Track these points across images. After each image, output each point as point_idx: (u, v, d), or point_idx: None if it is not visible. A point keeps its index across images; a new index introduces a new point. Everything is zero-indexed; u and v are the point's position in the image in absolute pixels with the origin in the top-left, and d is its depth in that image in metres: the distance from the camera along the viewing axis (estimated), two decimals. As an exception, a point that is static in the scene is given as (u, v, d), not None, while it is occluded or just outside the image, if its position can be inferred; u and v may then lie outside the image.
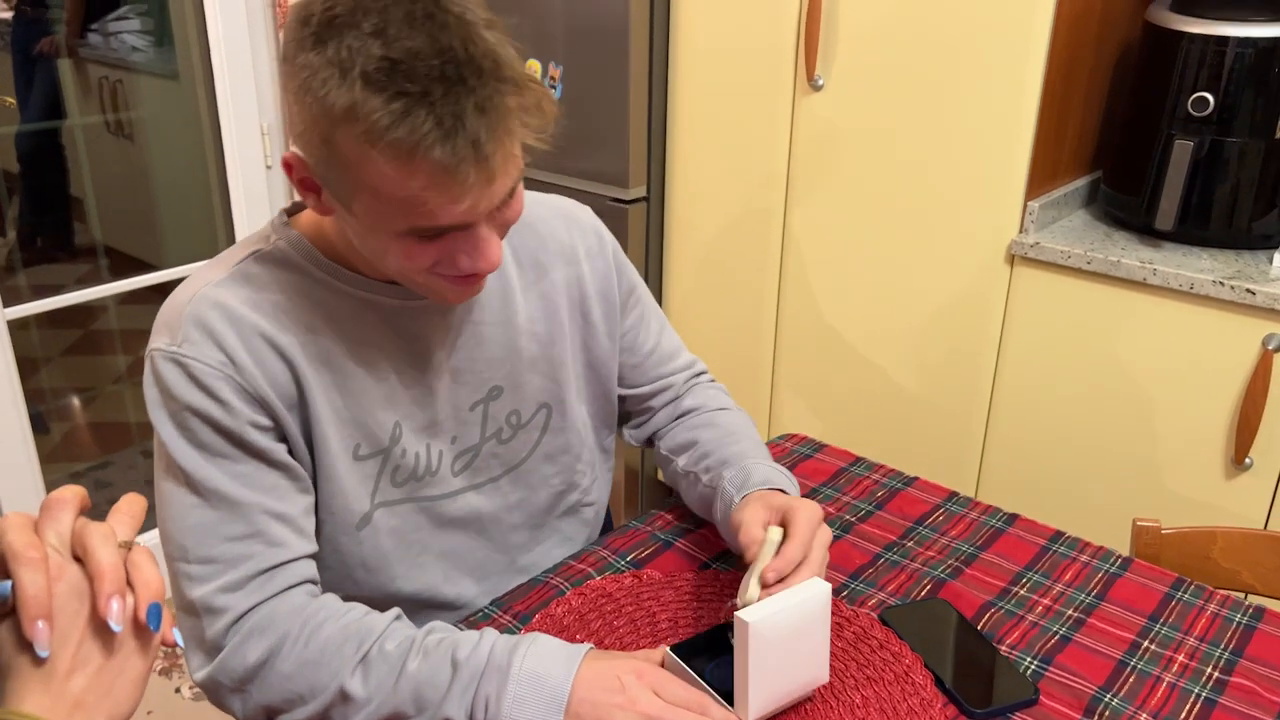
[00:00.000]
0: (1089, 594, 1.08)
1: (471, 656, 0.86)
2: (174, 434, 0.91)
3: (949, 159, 1.84)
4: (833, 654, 0.97)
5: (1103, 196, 1.90)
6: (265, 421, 0.92)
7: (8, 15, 2.86)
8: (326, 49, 0.78)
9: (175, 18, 2.54)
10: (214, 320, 0.90)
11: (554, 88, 2.21)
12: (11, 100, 1.93)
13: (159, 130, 2.78)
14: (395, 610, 0.93)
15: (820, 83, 1.94)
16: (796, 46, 1.96)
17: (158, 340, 0.92)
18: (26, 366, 2.09)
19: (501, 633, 0.90)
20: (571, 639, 0.98)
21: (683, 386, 1.23)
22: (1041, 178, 1.82)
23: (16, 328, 1.99)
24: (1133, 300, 1.70)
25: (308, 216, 0.99)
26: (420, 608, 1.06)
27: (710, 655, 0.93)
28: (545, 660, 0.86)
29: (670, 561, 1.12)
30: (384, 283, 0.97)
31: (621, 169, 2.16)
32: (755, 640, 0.84)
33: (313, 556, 0.96)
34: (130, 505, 0.66)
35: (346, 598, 0.95)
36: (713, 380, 1.27)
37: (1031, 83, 1.72)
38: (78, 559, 0.61)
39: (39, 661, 0.59)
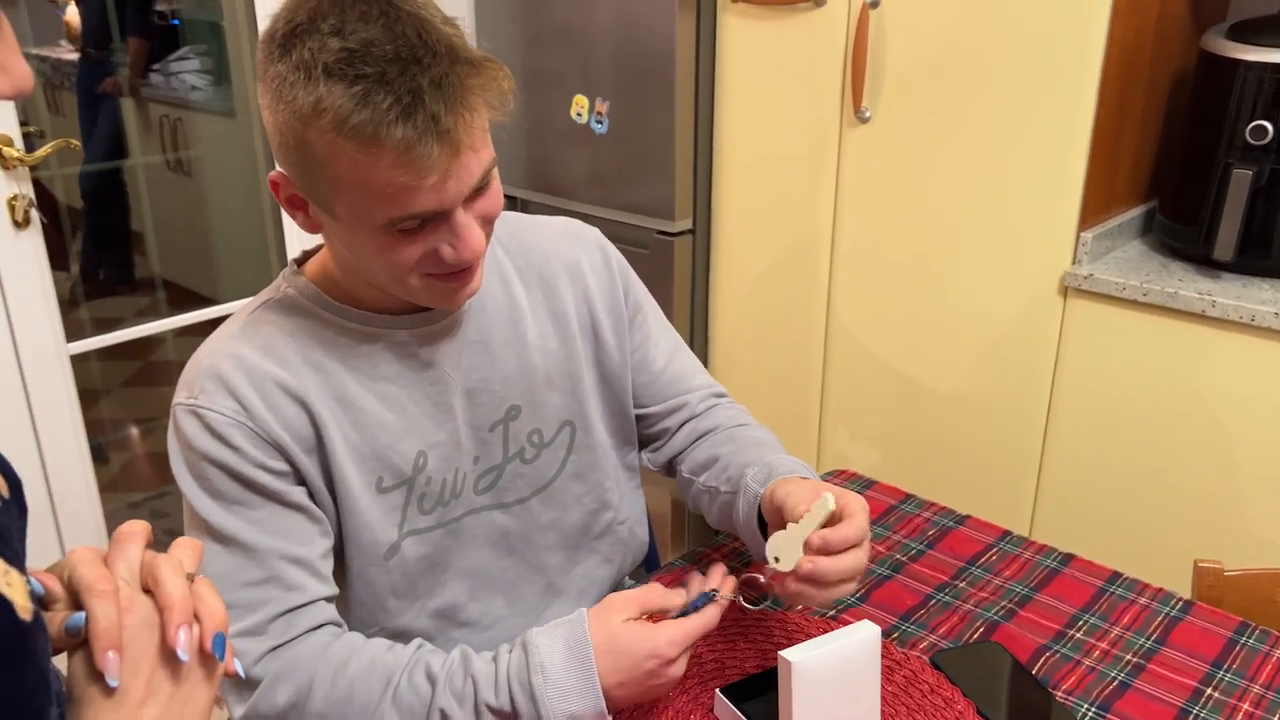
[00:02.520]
0: (1148, 638, 1.05)
1: (500, 700, 0.87)
2: (193, 485, 0.93)
3: (999, 191, 1.82)
4: (883, 699, 0.95)
5: (1159, 226, 1.86)
6: (281, 466, 0.94)
7: (74, 57, 2.96)
8: (291, 55, 0.83)
9: (232, 56, 2.61)
10: (228, 371, 0.93)
11: (601, 123, 2.23)
12: (75, 142, 1.98)
13: (215, 166, 2.85)
14: (417, 641, 0.94)
15: (867, 115, 1.94)
16: (843, 79, 1.95)
17: (179, 396, 0.94)
18: (88, 398, 2.14)
19: None
20: (617, 679, 0.98)
21: (699, 406, 1.21)
22: (1095, 208, 1.79)
23: (78, 360, 2.04)
24: (1191, 333, 1.66)
25: (315, 263, 1.02)
26: (446, 625, 1.07)
27: (761, 697, 0.92)
28: (572, 699, 0.87)
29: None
30: (392, 315, 0.99)
31: (668, 202, 2.17)
32: (799, 679, 0.83)
33: (331, 599, 0.97)
34: (191, 545, 0.67)
35: (379, 625, 0.98)
36: (733, 402, 1.24)
37: (1083, 112, 1.70)
38: (146, 591, 0.63)
39: (110, 691, 0.60)
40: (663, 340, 1.20)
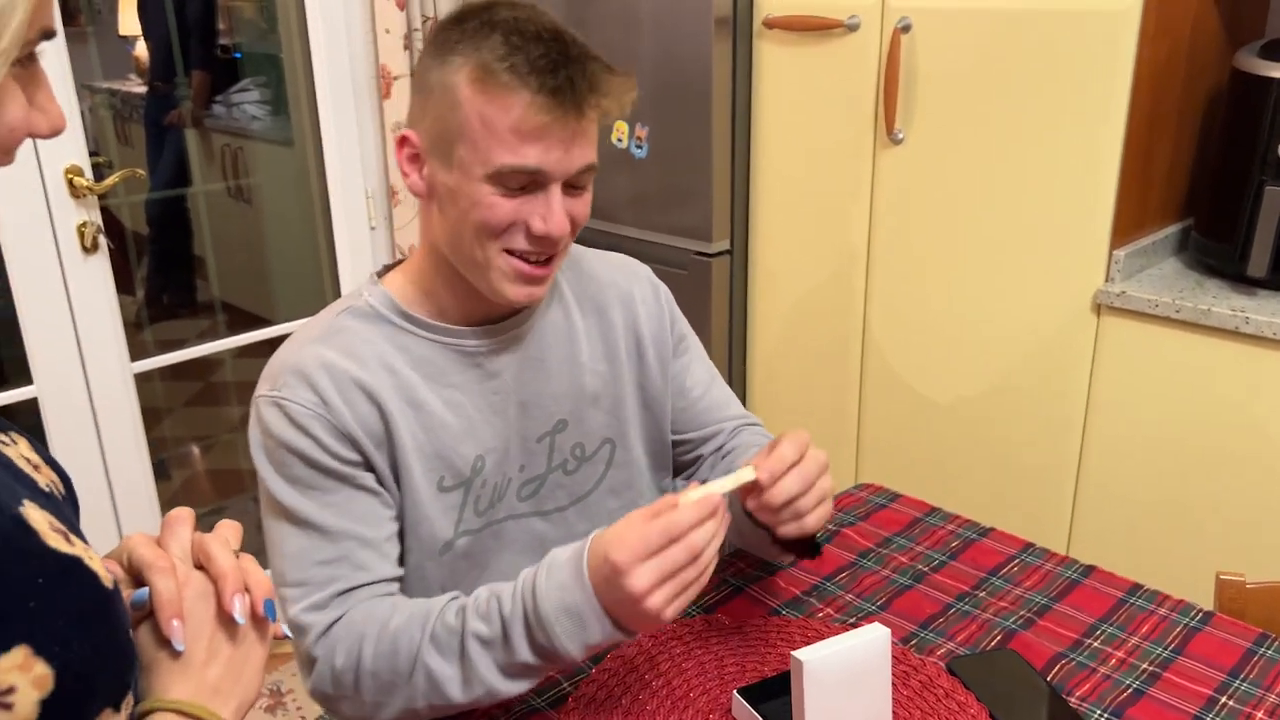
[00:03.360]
0: (1166, 648, 1.06)
1: (514, 609, 0.91)
2: (271, 471, 1.00)
3: (1031, 209, 1.84)
4: (897, 702, 0.98)
5: (1194, 244, 1.87)
6: (354, 456, 1.01)
7: (142, 90, 3.09)
8: (466, 24, 0.97)
9: (290, 88, 2.72)
10: (309, 368, 1.00)
11: (640, 148, 2.28)
12: (142, 172, 2.09)
13: (273, 194, 2.95)
14: (453, 593, 0.99)
15: (900, 136, 1.97)
16: (876, 101, 1.99)
17: (261, 389, 1.03)
18: (151, 416, 2.24)
19: (576, 670, 0.97)
20: (640, 679, 1.02)
21: (730, 434, 1.26)
22: (1128, 226, 1.80)
23: (142, 380, 2.13)
24: (1225, 349, 1.66)
25: (395, 276, 1.10)
26: None
27: (778, 699, 0.95)
28: (558, 593, 0.89)
29: (740, 607, 1.15)
30: (462, 327, 1.07)
31: (705, 223, 2.22)
32: (810, 679, 0.86)
33: (395, 579, 1.03)
34: (232, 525, 0.75)
35: None
36: (760, 429, 1.28)
37: (1113, 130, 1.71)
38: (198, 567, 0.71)
39: (176, 655, 0.67)
40: (702, 372, 1.26)
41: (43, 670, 0.55)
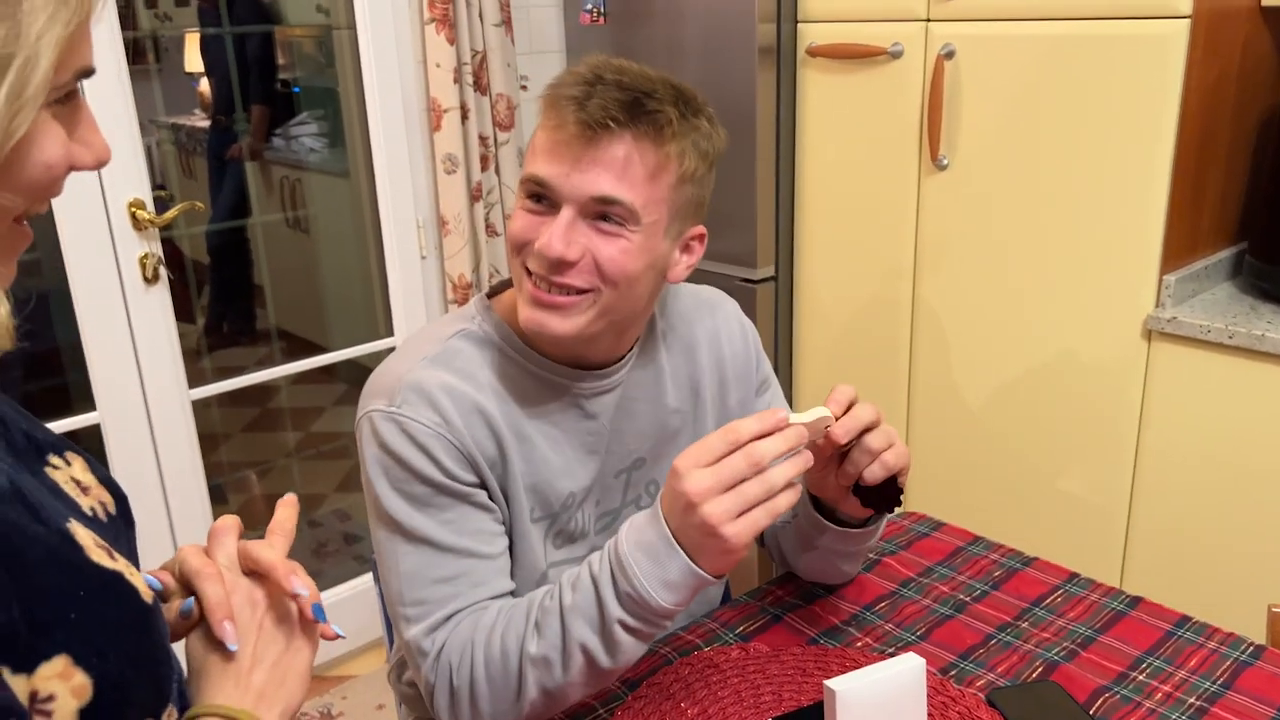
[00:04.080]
0: (1214, 682, 1.04)
1: (602, 565, 0.93)
2: (387, 486, 1.01)
3: (1078, 234, 1.82)
4: (934, 732, 0.97)
5: (1249, 268, 1.83)
6: (472, 477, 1.02)
7: (205, 124, 3.19)
8: (574, 70, 1.01)
9: (345, 121, 2.78)
10: (431, 387, 1.01)
11: (686, 175, 2.30)
12: (201, 205, 2.15)
13: (329, 224, 3.02)
14: (549, 585, 1.00)
15: (945, 162, 1.96)
16: (920, 127, 1.99)
17: (375, 403, 1.02)
18: (209, 442, 2.29)
19: (610, 695, 0.97)
20: (676, 707, 1.02)
21: None
22: (1178, 250, 1.77)
23: (200, 406, 2.19)
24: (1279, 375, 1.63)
25: (505, 300, 1.11)
26: None
27: (810, 728, 0.95)
28: (635, 534, 0.91)
29: (778, 636, 1.15)
30: (567, 365, 1.07)
31: (750, 249, 2.22)
32: (843, 708, 0.86)
33: (510, 594, 1.04)
34: (285, 518, 0.78)
35: None
36: None
37: (1162, 154, 1.69)
38: (247, 575, 0.74)
39: (229, 657, 0.70)
40: (782, 411, 1.26)
41: (81, 680, 0.57)
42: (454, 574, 1.00)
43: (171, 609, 0.72)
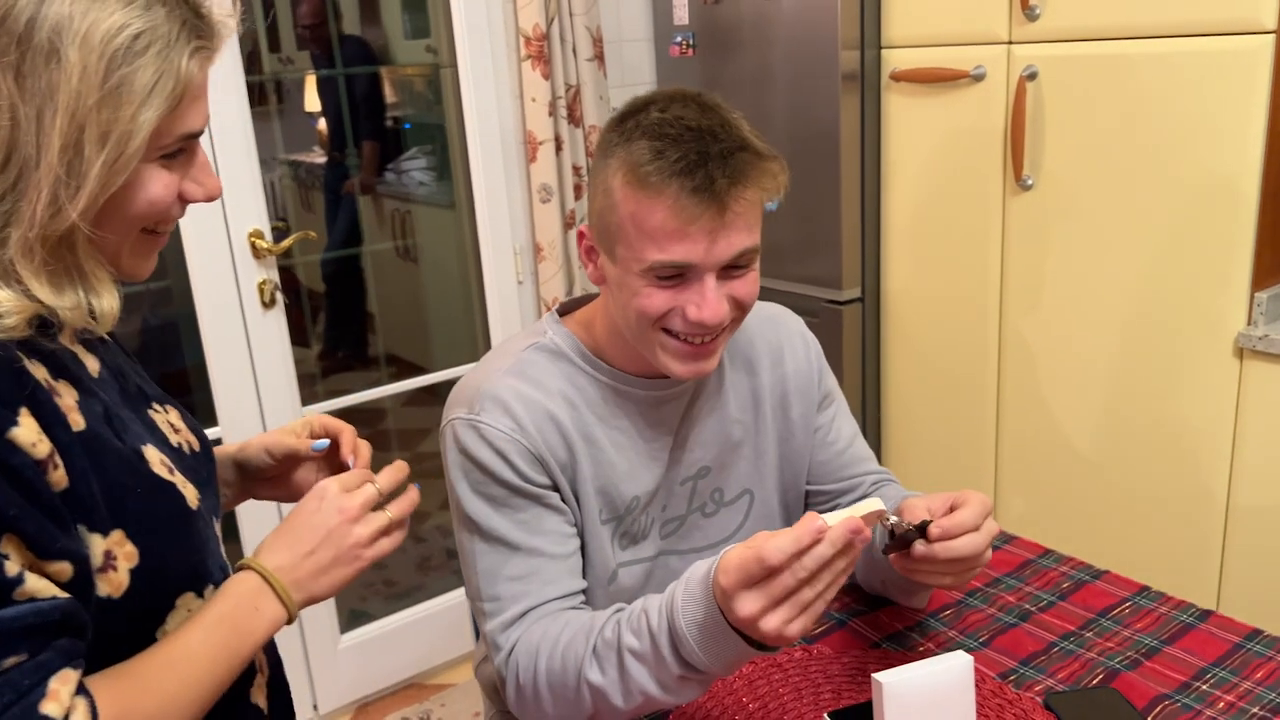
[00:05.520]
0: (1281, 694, 1.03)
1: (660, 623, 0.92)
2: (467, 489, 1.09)
3: (1166, 252, 1.81)
4: (988, 732, 0.99)
5: (1347, 285, 1.79)
6: (544, 480, 1.09)
7: (322, 160, 3.38)
8: (622, 125, 1.03)
9: (452, 155, 2.92)
10: (506, 395, 1.09)
11: (771, 201, 2.35)
12: (314, 234, 2.30)
13: (434, 253, 3.16)
14: (617, 605, 1.03)
15: (1029, 182, 1.97)
16: (1004, 148, 2.00)
17: (456, 412, 1.11)
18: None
19: None
20: (738, 701, 1.07)
21: (869, 488, 1.29)
22: (1270, 268, 1.74)
23: (311, 424, 2.32)
24: (1379, 394, 1.58)
25: (579, 317, 1.19)
26: None
27: (865, 724, 0.98)
28: (692, 608, 0.89)
29: (842, 639, 1.18)
30: (634, 376, 1.14)
31: (835, 271, 2.26)
32: (890, 700, 0.89)
33: (582, 593, 1.11)
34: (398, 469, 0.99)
35: None
36: (898, 485, 1.31)
37: (1250, 170, 1.67)
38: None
39: (303, 524, 0.90)
40: (845, 427, 1.30)
41: (131, 549, 0.79)
42: (526, 572, 1.07)
43: (304, 443, 1.04)
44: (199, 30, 0.78)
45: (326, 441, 1.05)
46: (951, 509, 0.99)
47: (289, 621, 0.89)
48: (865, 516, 0.87)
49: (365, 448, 1.05)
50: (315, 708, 2.41)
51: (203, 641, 0.82)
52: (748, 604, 0.84)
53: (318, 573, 0.89)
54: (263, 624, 0.86)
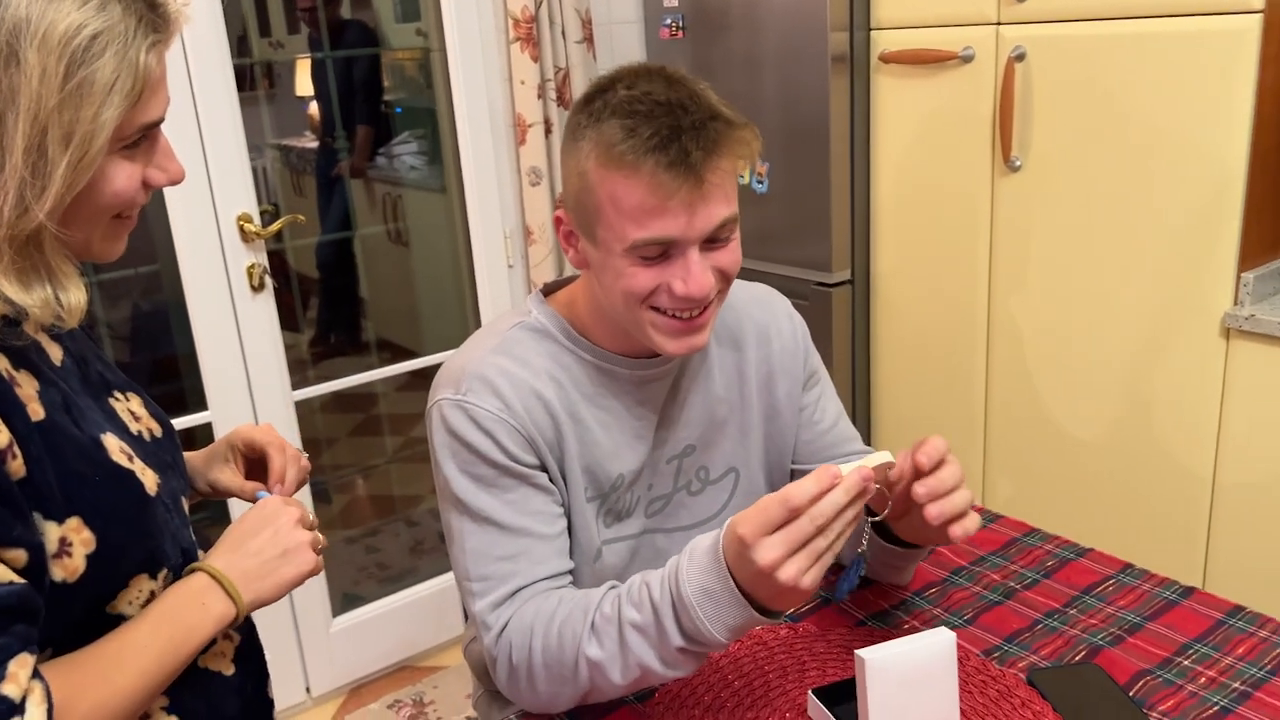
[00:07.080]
0: (1262, 669, 1.04)
1: (662, 595, 0.94)
2: (455, 469, 1.09)
3: (1154, 232, 1.81)
4: (973, 709, 1.00)
5: (1334, 265, 1.79)
6: (532, 459, 1.09)
7: (314, 145, 3.37)
8: (589, 106, 1.02)
9: (443, 139, 2.92)
10: (493, 375, 1.09)
11: (761, 183, 2.35)
12: (302, 218, 2.30)
13: (424, 236, 3.16)
14: (611, 582, 1.04)
15: (1018, 163, 1.97)
16: (993, 129, 2.00)
17: (443, 393, 1.11)
18: (316, 446, 2.43)
19: None
20: (724, 678, 1.07)
21: None
22: (1257, 248, 1.75)
23: (308, 412, 2.32)
24: (1364, 373, 1.59)
25: (563, 296, 1.19)
26: None
27: (852, 700, 0.99)
28: (699, 576, 0.91)
29: (827, 618, 1.19)
30: (619, 355, 1.14)
31: (825, 254, 2.26)
32: (873, 676, 0.90)
33: (570, 573, 1.11)
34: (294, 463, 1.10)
35: None
36: None
37: (1237, 151, 1.68)
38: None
39: (244, 531, 0.94)
40: (830, 407, 1.31)
41: (88, 535, 0.82)
42: (515, 552, 1.07)
43: (247, 488, 1.09)
44: (155, 24, 0.78)
45: (266, 492, 1.09)
46: (916, 465, 0.97)
47: (236, 619, 0.91)
48: (876, 468, 0.89)
49: (293, 473, 1.11)
50: (308, 690, 2.42)
51: (150, 634, 0.85)
52: (767, 551, 0.85)
53: (265, 570, 0.93)
54: (209, 620, 0.89)
